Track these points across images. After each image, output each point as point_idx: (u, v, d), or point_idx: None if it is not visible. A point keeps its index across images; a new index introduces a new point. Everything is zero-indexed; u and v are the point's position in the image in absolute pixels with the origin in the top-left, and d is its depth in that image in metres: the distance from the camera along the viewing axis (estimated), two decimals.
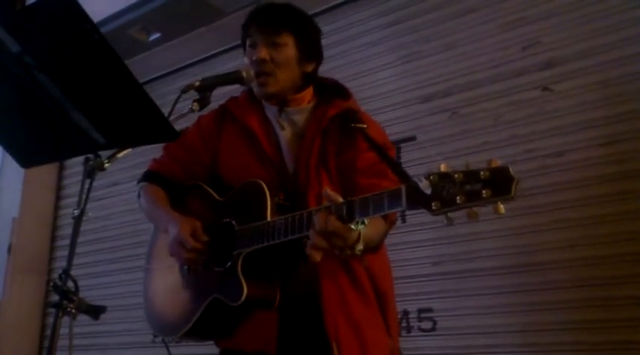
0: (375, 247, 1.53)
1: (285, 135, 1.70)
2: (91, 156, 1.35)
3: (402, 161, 3.07)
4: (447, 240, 2.80)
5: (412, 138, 3.09)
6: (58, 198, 4.86)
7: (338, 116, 1.64)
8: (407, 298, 2.87)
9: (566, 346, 2.44)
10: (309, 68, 1.71)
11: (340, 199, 1.31)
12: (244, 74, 1.63)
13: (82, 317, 1.28)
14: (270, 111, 1.73)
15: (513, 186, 1.07)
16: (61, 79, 1.26)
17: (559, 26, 2.79)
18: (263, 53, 1.63)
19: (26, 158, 1.49)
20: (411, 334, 2.86)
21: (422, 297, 2.87)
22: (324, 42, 1.79)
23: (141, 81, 1.29)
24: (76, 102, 1.29)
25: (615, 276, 2.40)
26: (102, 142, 1.34)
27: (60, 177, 4.89)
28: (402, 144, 3.10)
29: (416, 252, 2.90)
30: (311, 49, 1.70)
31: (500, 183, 1.07)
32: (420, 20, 3.24)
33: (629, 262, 2.38)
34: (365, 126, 1.60)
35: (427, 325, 2.83)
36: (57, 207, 4.84)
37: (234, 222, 1.61)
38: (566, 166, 2.62)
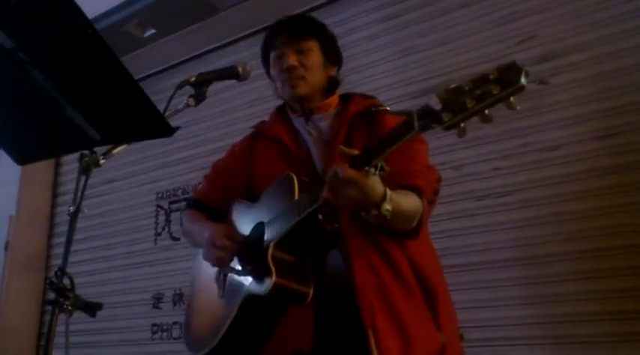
0: (412, 231, 1.49)
1: (312, 139, 1.72)
2: (86, 152, 1.34)
3: None
4: (444, 234, 2.79)
5: None
6: (55, 195, 4.84)
7: (362, 112, 1.68)
8: None
9: (566, 338, 2.45)
10: (333, 72, 1.78)
11: (356, 152, 1.29)
12: (240, 69, 1.65)
13: (79, 315, 1.28)
14: (298, 122, 1.77)
15: (522, 75, 1.04)
16: (56, 74, 1.25)
17: (554, 20, 2.79)
18: (292, 59, 1.69)
19: (21, 155, 1.49)
20: None
21: None
22: None
23: (136, 77, 1.29)
24: (70, 98, 1.28)
25: (612, 268, 2.40)
26: (97, 138, 1.34)
27: (56, 175, 4.88)
28: None
29: None
30: (333, 53, 1.79)
31: (508, 76, 1.05)
32: (415, 14, 3.24)
33: (626, 254, 2.39)
34: (388, 108, 1.65)
35: None
36: (54, 205, 4.82)
37: (265, 220, 1.60)
38: (562, 159, 2.62)
